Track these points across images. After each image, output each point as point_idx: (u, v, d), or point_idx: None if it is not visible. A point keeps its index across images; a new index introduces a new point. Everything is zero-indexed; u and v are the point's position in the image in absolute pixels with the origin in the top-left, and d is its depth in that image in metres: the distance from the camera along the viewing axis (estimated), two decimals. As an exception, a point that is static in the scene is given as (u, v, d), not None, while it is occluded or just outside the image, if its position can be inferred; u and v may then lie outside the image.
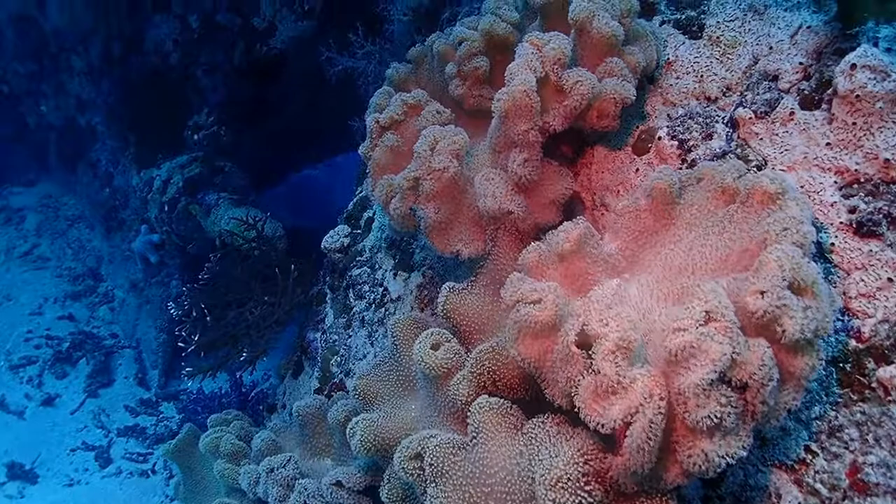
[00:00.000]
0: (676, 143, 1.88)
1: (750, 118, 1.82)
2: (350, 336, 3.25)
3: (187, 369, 3.54)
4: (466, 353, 1.82)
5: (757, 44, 1.93)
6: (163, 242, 6.26)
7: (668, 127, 1.92)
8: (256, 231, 4.41)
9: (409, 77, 2.35)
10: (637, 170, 1.96)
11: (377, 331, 3.04)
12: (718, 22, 2.05)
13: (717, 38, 2.02)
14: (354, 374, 3.11)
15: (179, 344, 3.52)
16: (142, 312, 6.41)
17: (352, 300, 3.36)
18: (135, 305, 6.47)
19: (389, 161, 2.04)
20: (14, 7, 7.57)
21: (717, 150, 1.84)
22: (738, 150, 1.83)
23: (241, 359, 3.39)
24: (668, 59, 2.09)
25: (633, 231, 1.63)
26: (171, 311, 3.73)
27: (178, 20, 6.34)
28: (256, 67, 6.16)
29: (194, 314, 3.51)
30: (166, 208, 5.86)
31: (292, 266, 3.61)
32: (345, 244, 3.52)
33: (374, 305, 3.16)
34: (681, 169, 1.87)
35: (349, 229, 3.61)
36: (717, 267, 1.48)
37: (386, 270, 3.15)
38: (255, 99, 6.36)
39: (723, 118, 1.91)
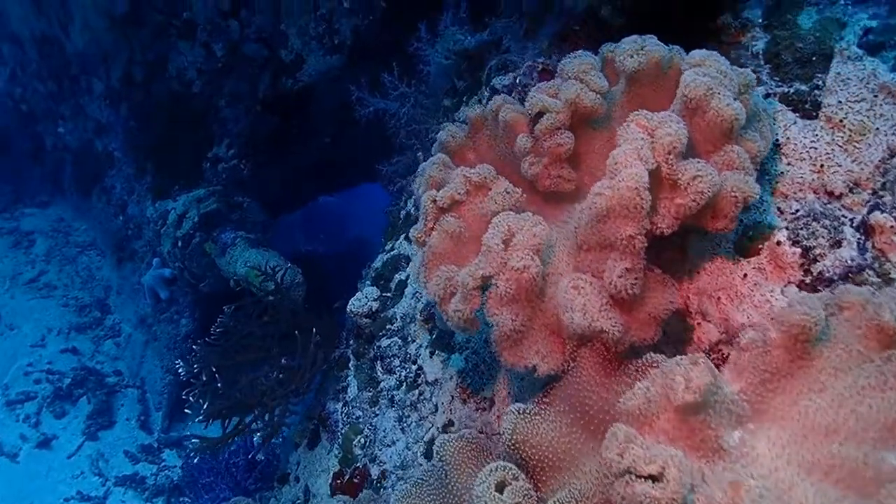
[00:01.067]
0: (799, 250, 1.57)
1: (891, 226, 1.51)
2: (377, 415, 2.92)
3: (193, 440, 3.21)
4: (537, 491, 1.50)
5: (894, 134, 1.62)
6: (174, 278, 5.98)
7: (787, 229, 1.61)
8: (275, 283, 4.11)
9: (466, 143, 2.05)
10: (745, 275, 1.64)
11: (409, 416, 2.71)
12: (840, 102, 1.74)
13: (840, 121, 1.72)
14: (380, 461, 2.78)
15: (186, 410, 3.21)
16: (148, 349, 6.11)
17: (380, 374, 3.04)
18: (141, 342, 6.17)
19: (448, 249, 1.73)
20: (38, 27, 7.40)
21: (849, 262, 1.53)
22: (875, 264, 1.51)
23: (255, 437, 3.06)
24: (778, 140, 1.79)
25: (761, 371, 1.31)
26: (179, 371, 3.42)
27: (203, 48, 6.12)
28: (281, 100, 5.91)
29: (204, 377, 3.19)
30: (180, 244, 5.59)
31: (314, 329, 3.29)
32: (373, 309, 3.21)
33: (405, 384, 2.84)
34: (803, 282, 1.55)
35: (378, 292, 3.30)
36: (880, 437, 1.16)
37: (421, 346, 2.83)
38: (278, 132, 6.11)
39: (851, 220, 1.60)
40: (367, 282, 3.73)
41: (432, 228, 1.75)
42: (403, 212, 3.80)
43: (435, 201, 1.76)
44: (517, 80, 2.80)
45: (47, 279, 6.76)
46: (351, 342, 3.53)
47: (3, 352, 5.86)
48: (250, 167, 6.09)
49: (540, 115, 1.75)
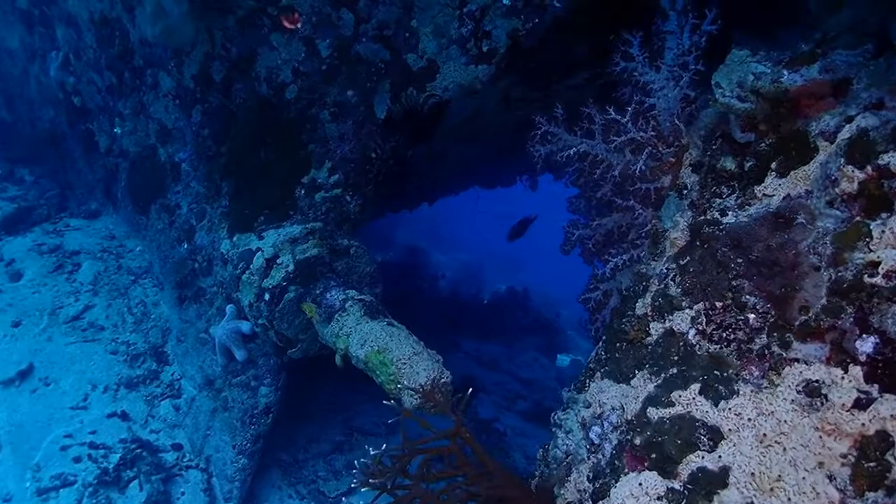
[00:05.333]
0: None
1: None
2: None
3: None
4: None
5: None
6: (255, 334, 4.73)
7: None
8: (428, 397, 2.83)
9: None
10: None
11: None
12: None
13: None
14: None
15: None
16: (216, 420, 4.86)
17: None
18: (207, 409, 4.92)
19: None
20: (98, 7, 6.20)
21: None
22: None
23: None
24: None
25: None
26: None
27: (304, 44, 4.86)
28: (405, 117, 4.61)
29: None
30: (267, 297, 4.32)
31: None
32: (667, 526, 1.89)
33: None
34: None
35: (662, 483, 1.97)
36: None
37: None
38: (397, 157, 4.81)
39: None
40: (582, 424, 2.41)
41: None
42: (660, 327, 2.46)
43: None
44: None
45: (93, 317, 5.54)
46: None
47: (35, 416, 4.65)
48: (359, 200, 4.80)
49: None
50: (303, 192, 4.90)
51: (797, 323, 2.04)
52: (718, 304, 2.27)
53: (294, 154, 4.99)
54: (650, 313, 2.58)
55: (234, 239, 4.96)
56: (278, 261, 4.40)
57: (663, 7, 3.20)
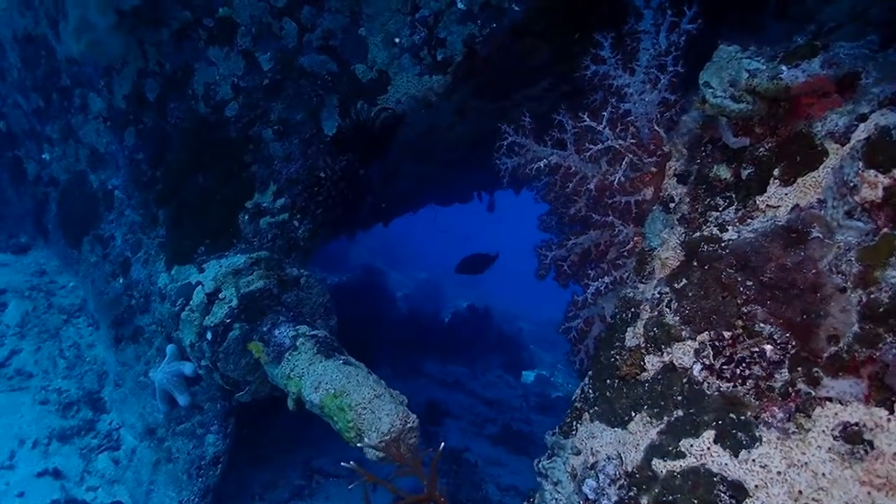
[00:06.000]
0: None
1: None
2: None
3: None
4: None
5: None
6: (198, 377, 4.29)
7: None
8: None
9: None
10: None
11: None
12: None
13: None
14: None
15: None
16: (159, 473, 4.39)
17: None
18: (150, 461, 4.45)
19: None
20: (22, 23, 5.71)
21: None
22: None
23: None
24: None
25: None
26: None
27: (244, 57, 4.49)
28: (356, 133, 4.26)
29: None
30: (210, 336, 3.90)
31: None
32: None
33: None
34: None
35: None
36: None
37: None
38: (347, 176, 4.44)
39: None
40: (573, 474, 2.08)
41: None
42: (657, 361, 2.15)
43: None
44: None
45: (20, 363, 5.01)
46: None
47: (-48, 480, 4.13)
48: (308, 225, 4.42)
49: None
50: (246, 217, 4.50)
51: (825, 355, 1.73)
52: (727, 335, 1.96)
53: (236, 177, 4.59)
54: (644, 345, 2.26)
55: (173, 272, 4.53)
56: (220, 295, 3.98)
57: (637, 5, 2.91)
